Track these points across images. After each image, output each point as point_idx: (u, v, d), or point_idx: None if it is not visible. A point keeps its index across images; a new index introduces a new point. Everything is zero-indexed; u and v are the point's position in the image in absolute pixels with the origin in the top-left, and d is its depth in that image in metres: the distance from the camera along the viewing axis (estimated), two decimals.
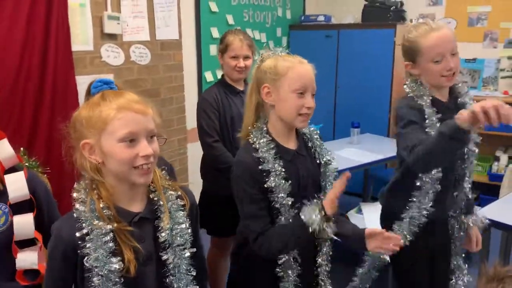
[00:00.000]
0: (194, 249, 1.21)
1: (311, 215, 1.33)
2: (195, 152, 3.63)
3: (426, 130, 1.63)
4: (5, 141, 1.33)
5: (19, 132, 2.46)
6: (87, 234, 1.08)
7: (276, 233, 1.39)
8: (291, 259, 1.45)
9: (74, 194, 1.12)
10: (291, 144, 1.50)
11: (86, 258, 1.07)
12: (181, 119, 3.66)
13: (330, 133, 4.40)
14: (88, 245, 1.07)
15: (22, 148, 2.28)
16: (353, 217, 3.04)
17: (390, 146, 3.50)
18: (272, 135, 1.47)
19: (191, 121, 3.61)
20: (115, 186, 1.13)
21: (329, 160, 1.53)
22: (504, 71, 4.05)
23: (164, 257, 1.15)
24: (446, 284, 1.90)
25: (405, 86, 1.77)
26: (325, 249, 1.51)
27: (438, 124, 1.63)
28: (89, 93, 1.15)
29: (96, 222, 1.08)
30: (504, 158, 4.03)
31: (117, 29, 3.00)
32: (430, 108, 1.66)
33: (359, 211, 3.13)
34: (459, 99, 1.76)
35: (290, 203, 1.41)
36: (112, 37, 3.02)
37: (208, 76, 3.84)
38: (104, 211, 1.09)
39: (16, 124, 2.45)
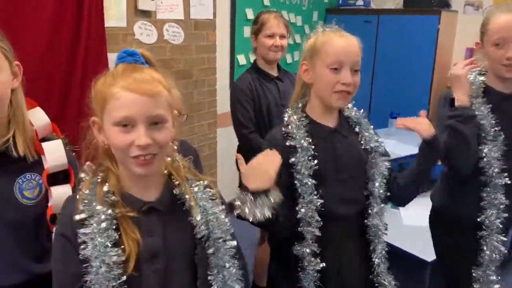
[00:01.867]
0: (235, 242, 1.07)
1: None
2: (225, 136, 3.55)
3: (480, 122, 1.56)
4: (39, 109, 1.26)
5: (48, 108, 2.38)
6: (86, 219, 0.95)
7: None
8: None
9: (82, 174, 1.02)
10: (330, 124, 1.40)
11: (82, 246, 0.94)
12: (212, 102, 3.57)
13: None
14: (86, 231, 0.94)
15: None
16: (389, 212, 2.90)
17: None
18: (308, 112, 1.39)
19: (222, 105, 3.51)
20: (125, 174, 1.01)
21: (377, 146, 1.40)
22: None
23: (209, 250, 1.02)
24: None
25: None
26: (379, 247, 1.40)
27: (490, 115, 1.56)
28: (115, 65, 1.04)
29: (97, 206, 0.96)
30: None
31: (151, 5, 2.91)
32: (479, 99, 1.59)
33: (395, 206, 2.98)
34: None
35: (310, 183, 1.30)
36: (146, 14, 2.93)
37: (241, 59, 3.73)
38: (107, 196, 0.97)
39: (45, 100, 2.37)
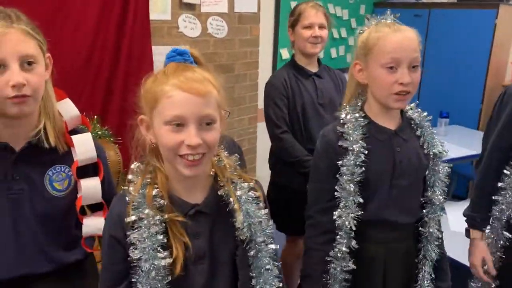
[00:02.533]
0: (277, 246, 1.07)
1: None
2: (265, 131, 3.50)
3: None
4: (68, 101, 1.26)
5: (93, 100, 2.45)
6: (135, 221, 0.97)
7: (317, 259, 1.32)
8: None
9: (130, 176, 1.02)
10: (390, 125, 1.31)
11: (131, 247, 0.96)
12: (253, 97, 3.53)
13: None
14: (135, 235, 0.96)
15: (95, 116, 2.30)
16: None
17: (479, 142, 3.17)
18: (367, 112, 1.31)
19: (263, 100, 3.48)
20: (171, 173, 1.01)
21: (440, 152, 1.31)
22: None
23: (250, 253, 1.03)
24: None
25: None
26: (426, 269, 1.33)
27: None
28: (165, 64, 1.04)
29: (146, 211, 0.97)
30: None
31: None
32: None
33: (443, 209, 2.86)
34: None
35: (352, 189, 1.25)
36: (190, 7, 2.93)
37: (284, 54, 3.67)
38: (155, 200, 0.98)
39: (90, 92, 2.44)
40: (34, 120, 1.15)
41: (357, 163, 1.24)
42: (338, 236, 1.28)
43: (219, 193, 1.03)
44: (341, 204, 1.26)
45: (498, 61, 3.90)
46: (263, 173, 3.34)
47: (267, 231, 1.04)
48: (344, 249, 1.27)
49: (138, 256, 0.96)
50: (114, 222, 1.01)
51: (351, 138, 1.26)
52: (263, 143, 3.55)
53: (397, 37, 1.21)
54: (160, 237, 0.96)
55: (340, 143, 1.27)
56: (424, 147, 1.32)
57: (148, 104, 0.97)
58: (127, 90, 2.56)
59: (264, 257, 1.03)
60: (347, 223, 1.25)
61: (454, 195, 3.57)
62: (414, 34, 1.24)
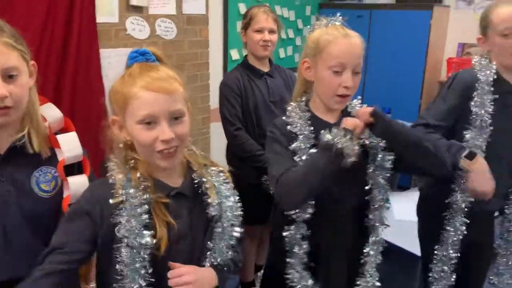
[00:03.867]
0: (242, 230, 1.16)
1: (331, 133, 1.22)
2: (218, 132, 3.54)
3: (472, 109, 1.57)
4: (51, 105, 1.29)
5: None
6: (121, 202, 1.02)
7: (296, 168, 1.29)
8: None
9: (110, 164, 1.07)
10: (331, 119, 1.39)
11: (117, 227, 1.01)
12: (205, 97, 3.56)
13: None
14: (121, 213, 1.01)
15: None
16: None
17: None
18: (311, 108, 1.40)
19: (215, 100, 3.49)
20: (149, 161, 1.07)
21: (374, 141, 1.38)
22: None
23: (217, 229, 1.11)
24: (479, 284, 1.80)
25: (473, 61, 1.67)
26: (375, 238, 1.39)
27: (489, 104, 1.56)
28: (127, 66, 1.08)
29: (132, 191, 1.02)
30: None
31: (143, 1, 2.89)
32: (487, 85, 1.57)
33: (387, 200, 3.01)
34: None
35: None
36: (138, 9, 2.91)
37: (234, 54, 3.72)
38: (140, 181, 1.03)
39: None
40: (17, 124, 1.16)
41: (309, 145, 1.32)
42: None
43: (193, 176, 1.11)
44: None
45: (434, 58, 4.15)
46: None
47: (236, 211, 1.14)
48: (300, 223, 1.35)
49: (124, 235, 0.99)
50: (92, 201, 1.04)
51: (298, 125, 1.35)
52: (217, 143, 3.59)
53: (345, 42, 1.29)
54: (145, 216, 1.01)
55: (288, 128, 1.35)
56: (362, 137, 1.37)
57: (118, 106, 1.03)
58: (75, 95, 2.52)
59: (228, 235, 1.12)
60: None
61: (399, 186, 3.77)
62: (360, 40, 1.33)
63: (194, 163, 1.13)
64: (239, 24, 3.64)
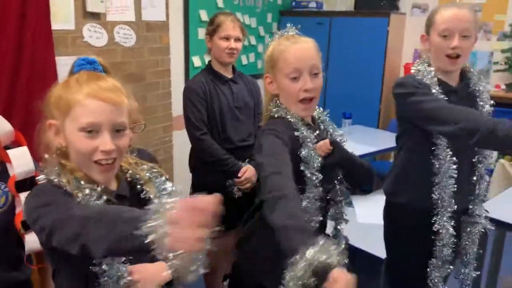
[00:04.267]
0: None
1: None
2: (181, 140, 3.50)
3: None
4: (0, 117, 1.25)
5: None
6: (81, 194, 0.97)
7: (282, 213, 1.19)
8: None
9: (46, 171, 1.00)
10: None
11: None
12: (166, 105, 3.51)
13: None
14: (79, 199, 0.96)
15: None
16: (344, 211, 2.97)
17: (380, 139, 3.45)
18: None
19: (177, 108, 3.46)
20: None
21: (341, 141, 1.45)
22: (497, 64, 4.00)
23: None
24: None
25: (412, 67, 1.71)
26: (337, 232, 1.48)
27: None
28: (72, 72, 1.06)
29: (87, 191, 0.97)
30: (493, 152, 3.99)
31: (100, 7, 2.83)
32: (436, 87, 1.61)
33: (350, 204, 3.05)
34: (471, 86, 1.69)
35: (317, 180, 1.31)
36: (95, 16, 2.84)
37: (196, 61, 3.70)
38: (89, 183, 0.99)
39: None
40: None
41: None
42: None
43: (127, 175, 1.10)
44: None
45: (392, 64, 4.27)
46: (181, 181, 3.32)
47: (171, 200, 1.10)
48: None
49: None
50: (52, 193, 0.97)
51: (300, 128, 1.33)
52: (180, 152, 3.54)
53: (296, 48, 1.32)
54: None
55: (296, 133, 1.30)
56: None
57: (60, 110, 1.00)
58: (30, 105, 2.42)
59: None
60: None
61: (361, 189, 3.83)
62: (312, 43, 1.36)
63: (124, 164, 1.11)
64: (200, 31, 3.64)
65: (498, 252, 2.49)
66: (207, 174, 2.24)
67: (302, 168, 1.27)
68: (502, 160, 3.68)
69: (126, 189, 1.09)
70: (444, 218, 1.65)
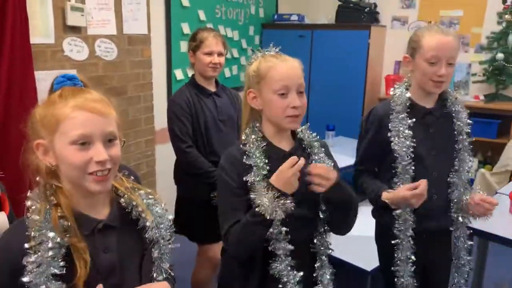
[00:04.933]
0: (178, 244, 1.14)
1: (260, 197, 1.26)
2: (163, 154, 3.46)
3: (390, 139, 1.68)
4: None
5: None
6: (38, 245, 0.94)
7: (237, 228, 1.32)
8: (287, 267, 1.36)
9: (28, 202, 0.99)
10: (284, 145, 1.42)
11: (25, 272, 0.92)
12: (149, 118, 3.48)
13: None
14: (31, 258, 0.92)
15: None
16: None
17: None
18: (265, 135, 1.41)
19: (160, 121, 3.44)
20: (73, 192, 1.01)
21: (327, 164, 1.41)
22: (476, 75, 4.08)
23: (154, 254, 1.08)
24: None
25: (391, 90, 1.78)
26: (320, 263, 1.43)
27: (407, 130, 1.67)
28: (52, 90, 1.04)
29: (51, 234, 0.95)
30: (474, 162, 4.05)
31: (81, 21, 2.80)
32: (404, 113, 1.68)
33: None
34: (448, 106, 1.75)
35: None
36: (76, 30, 2.81)
37: (178, 74, 3.68)
38: (60, 221, 0.97)
39: None
40: None
41: (263, 176, 1.32)
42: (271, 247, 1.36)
43: (121, 201, 1.07)
44: None
45: (373, 76, 4.32)
46: (165, 196, 3.27)
47: (171, 230, 1.11)
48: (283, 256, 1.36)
49: (32, 280, 0.92)
50: (15, 254, 0.94)
51: (253, 155, 1.35)
52: (163, 166, 3.50)
53: (285, 66, 1.35)
54: (59, 262, 0.94)
55: (244, 160, 1.34)
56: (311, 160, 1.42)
57: (47, 128, 0.98)
58: (8, 120, 2.37)
59: (165, 257, 1.09)
60: (276, 230, 1.34)
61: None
62: (298, 63, 1.39)
63: (120, 188, 1.09)
64: (183, 44, 3.63)
65: (481, 262, 2.51)
66: (192, 186, 2.27)
67: (252, 196, 1.30)
68: (482, 170, 3.74)
69: (116, 218, 1.06)
70: (404, 241, 1.70)
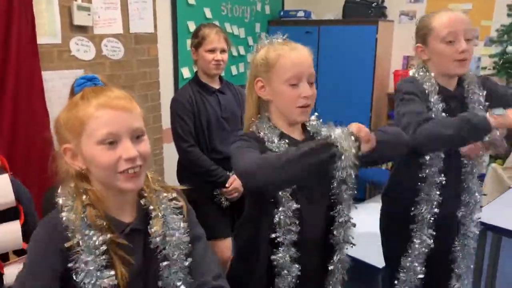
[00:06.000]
0: (189, 259, 1.06)
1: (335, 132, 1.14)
2: (171, 152, 3.45)
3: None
4: None
5: None
6: (78, 244, 0.94)
7: (278, 154, 1.19)
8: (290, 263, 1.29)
9: (60, 200, 0.98)
10: (296, 136, 1.36)
11: (75, 272, 0.93)
12: (156, 117, 3.47)
13: None
14: (79, 257, 0.93)
15: None
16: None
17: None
18: (276, 125, 1.34)
19: (167, 120, 3.41)
20: (104, 193, 1.00)
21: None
22: (485, 69, 4.02)
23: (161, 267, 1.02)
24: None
25: (410, 72, 1.67)
26: (339, 256, 1.35)
27: (442, 114, 1.56)
28: (73, 93, 1.03)
29: (88, 232, 0.95)
30: (485, 156, 4.00)
31: (87, 20, 2.80)
32: (435, 94, 1.57)
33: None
34: (467, 88, 1.65)
35: (289, 194, 1.25)
36: (82, 29, 2.81)
37: (185, 72, 3.67)
38: (97, 220, 0.97)
39: None
40: None
41: None
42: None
43: (142, 202, 1.05)
44: (280, 206, 1.27)
45: (381, 71, 4.28)
46: None
47: (182, 245, 1.05)
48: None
49: (84, 281, 0.92)
50: (53, 251, 0.95)
51: (272, 141, 1.29)
52: (170, 165, 3.49)
53: (295, 54, 1.29)
54: (103, 257, 0.95)
55: (266, 145, 1.28)
56: None
57: (72, 132, 0.96)
58: (17, 120, 2.38)
59: (175, 271, 1.03)
60: (287, 220, 1.27)
61: (354, 198, 3.81)
62: (308, 51, 1.33)
63: (145, 189, 1.06)
64: (189, 42, 3.59)
65: (495, 257, 2.48)
66: (195, 184, 2.24)
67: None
68: (493, 165, 3.70)
69: (141, 221, 1.04)
70: (424, 228, 1.66)
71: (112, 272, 0.95)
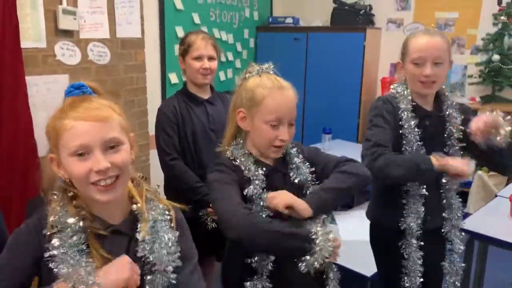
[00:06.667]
0: (174, 276, 1.03)
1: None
2: (158, 159, 3.41)
3: (405, 135, 1.64)
4: None
5: None
6: (59, 231, 0.96)
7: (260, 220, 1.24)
8: None
9: (49, 197, 1.01)
10: (269, 161, 1.39)
11: (52, 260, 0.94)
12: (143, 123, 3.43)
13: (299, 139, 4.29)
14: (56, 243, 0.95)
15: None
16: (328, 227, 2.91)
17: (360, 153, 3.42)
18: (251, 152, 1.38)
19: (154, 126, 3.39)
20: (88, 199, 1.01)
21: (304, 178, 1.37)
22: (472, 77, 4.06)
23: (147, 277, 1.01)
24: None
25: (392, 87, 1.75)
26: (331, 275, 1.39)
27: (415, 129, 1.63)
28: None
29: (70, 220, 0.97)
30: (471, 164, 4.03)
31: (73, 25, 2.76)
32: (409, 112, 1.65)
33: (333, 220, 3.00)
34: (444, 109, 1.72)
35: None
36: (68, 33, 2.77)
37: (173, 78, 3.64)
38: (77, 210, 0.99)
39: None
40: None
41: (262, 189, 1.30)
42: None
43: (133, 208, 1.04)
44: None
45: (369, 78, 4.30)
46: None
47: (169, 257, 1.02)
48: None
49: (60, 266, 0.93)
50: (33, 235, 0.98)
51: (248, 168, 1.32)
52: (157, 172, 3.44)
53: (280, 96, 1.31)
54: (83, 246, 0.95)
55: (243, 174, 1.31)
56: (291, 175, 1.38)
57: (52, 141, 0.99)
58: (0, 123, 2.33)
59: (159, 283, 1.01)
60: None
61: (342, 205, 3.80)
62: (294, 93, 1.35)
63: (136, 196, 1.06)
64: (177, 47, 3.57)
65: (481, 265, 2.48)
66: (181, 199, 2.12)
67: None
68: (480, 172, 3.72)
69: (128, 225, 1.03)
70: (413, 240, 1.67)
71: (90, 260, 0.95)
